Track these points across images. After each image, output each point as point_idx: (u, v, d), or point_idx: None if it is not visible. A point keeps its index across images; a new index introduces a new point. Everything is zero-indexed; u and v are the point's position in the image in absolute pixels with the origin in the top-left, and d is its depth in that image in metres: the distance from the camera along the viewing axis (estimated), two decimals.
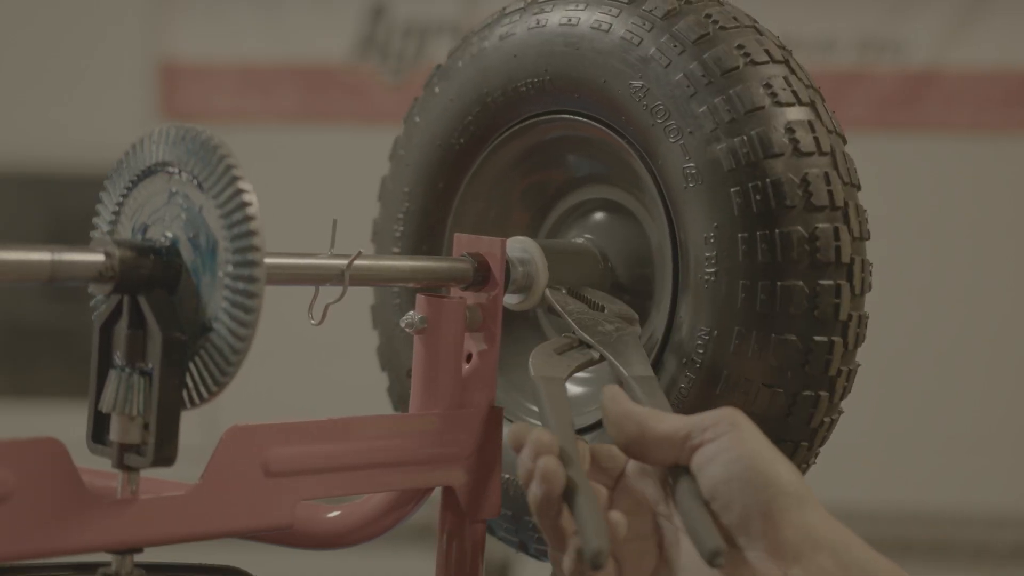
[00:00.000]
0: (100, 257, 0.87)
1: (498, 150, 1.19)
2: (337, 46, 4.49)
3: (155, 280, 0.89)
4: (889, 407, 4.05)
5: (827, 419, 1.08)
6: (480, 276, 1.07)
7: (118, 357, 0.89)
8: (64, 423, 1.47)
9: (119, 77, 4.51)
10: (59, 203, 4.52)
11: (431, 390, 1.06)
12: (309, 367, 4.21)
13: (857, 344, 1.07)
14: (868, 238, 1.08)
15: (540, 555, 1.17)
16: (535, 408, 1.18)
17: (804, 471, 1.10)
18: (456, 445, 1.05)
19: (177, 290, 0.90)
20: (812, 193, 1.04)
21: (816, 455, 1.10)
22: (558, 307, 1.10)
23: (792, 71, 1.07)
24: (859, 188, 1.08)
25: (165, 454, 0.88)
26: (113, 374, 0.89)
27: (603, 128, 1.12)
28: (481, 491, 1.07)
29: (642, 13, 1.09)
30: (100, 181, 0.97)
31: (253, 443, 0.94)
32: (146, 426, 0.88)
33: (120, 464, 0.89)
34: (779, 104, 1.05)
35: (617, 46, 1.09)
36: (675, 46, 1.06)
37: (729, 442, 0.88)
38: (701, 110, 1.05)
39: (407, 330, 1.07)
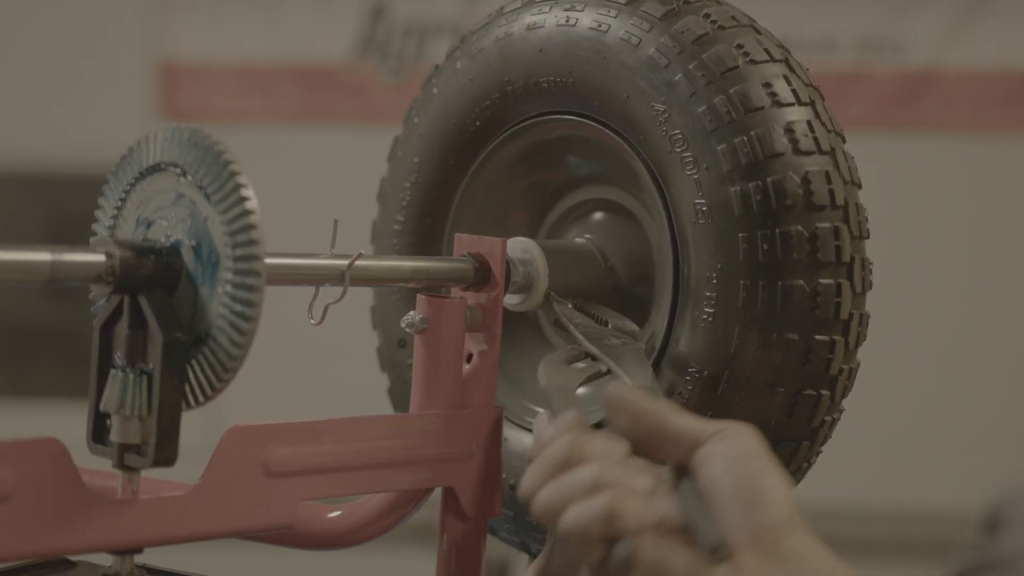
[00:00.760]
0: (101, 257, 0.87)
1: (508, 142, 1.18)
2: (337, 46, 4.48)
3: (155, 280, 0.89)
4: (889, 407, 4.05)
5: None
6: (481, 276, 1.07)
7: (118, 357, 0.89)
8: (64, 423, 1.46)
9: (119, 77, 4.51)
10: (59, 203, 4.52)
11: (431, 390, 1.06)
12: (309, 367, 4.21)
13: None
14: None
15: None
16: (537, 408, 1.18)
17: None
18: (456, 445, 1.05)
19: (177, 291, 0.90)
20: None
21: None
22: (565, 320, 1.10)
23: (817, 115, 1.06)
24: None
25: (165, 454, 0.88)
26: (114, 374, 0.89)
27: (616, 138, 1.11)
28: (481, 491, 1.07)
29: (673, 33, 1.06)
30: (100, 181, 0.97)
31: (253, 443, 0.94)
32: (146, 425, 0.89)
33: (120, 464, 0.89)
34: (799, 152, 1.04)
35: (644, 64, 1.07)
36: (702, 76, 1.05)
37: (729, 445, 0.88)
38: (720, 147, 1.04)
39: (408, 330, 1.07)
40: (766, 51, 1.07)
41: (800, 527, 0.84)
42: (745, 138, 1.03)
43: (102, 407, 0.89)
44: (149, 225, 0.92)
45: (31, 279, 0.85)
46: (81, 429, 0.91)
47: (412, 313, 1.07)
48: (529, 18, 1.14)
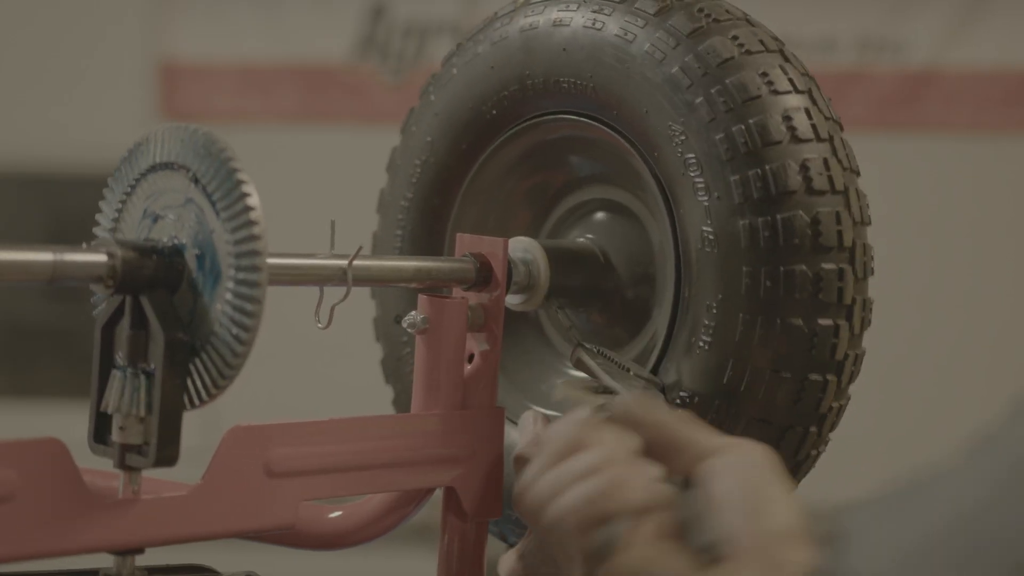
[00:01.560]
0: (102, 257, 0.87)
1: (523, 134, 1.17)
2: (337, 46, 4.48)
3: (157, 281, 0.89)
4: (889, 407, 4.05)
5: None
6: (482, 276, 1.07)
7: (120, 357, 0.89)
8: (64, 423, 1.46)
9: (119, 77, 4.51)
10: (59, 203, 4.52)
11: (432, 390, 1.06)
12: (310, 367, 4.21)
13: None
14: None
15: None
16: (539, 409, 1.18)
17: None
18: (458, 445, 1.05)
19: (179, 291, 0.90)
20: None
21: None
22: (589, 362, 1.08)
23: (834, 151, 1.05)
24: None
25: (167, 454, 0.88)
26: (115, 374, 0.89)
27: (631, 148, 1.10)
28: (483, 491, 1.07)
29: (699, 53, 1.04)
30: (100, 181, 0.97)
31: (255, 443, 0.94)
32: (147, 425, 0.89)
33: (122, 464, 0.89)
34: (812, 192, 1.03)
35: (667, 81, 1.05)
36: (724, 102, 1.03)
37: (738, 457, 0.87)
38: (734, 178, 1.03)
39: (409, 330, 1.07)
40: (790, 81, 1.05)
41: (806, 542, 0.81)
42: (759, 171, 1.02)
43: (103, 407, 0.89)
44: (156, 219, 0.93)
45: (33, 279, 0.85)
46: (82, 429, 0.91)
47: (413, 313, 1.07)
48: (556, 13, 1.12)
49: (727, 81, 1.03)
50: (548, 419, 1.11)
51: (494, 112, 1.16)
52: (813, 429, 1.05)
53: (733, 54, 1.04)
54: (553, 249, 1.14)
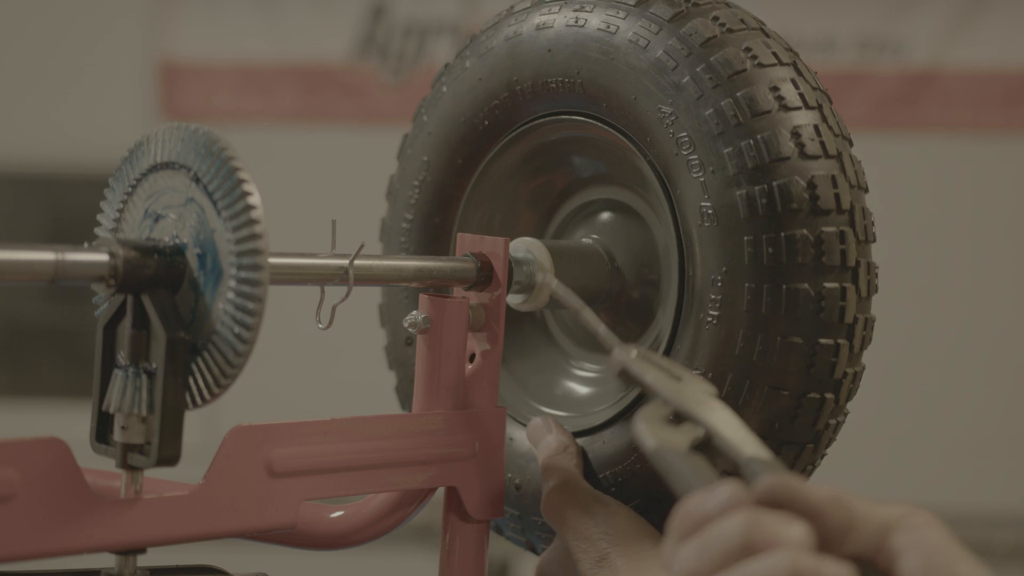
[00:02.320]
0: (104, 257, 0.87)
1: (516, 142, 1.18)
2: (337, 46, 4.48)
3: (159, 280, 0.89)
4: (889, 407, 4.05)
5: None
6: (483, 276, 1.07)
7: (122, 357, 0.89)
8: (65, 423, 1.47)
9: (119, 77, 4.51)
10: (59, 203, 4.52)
11: (434, 390, 1.06)
12: (312, 366, 4.20)
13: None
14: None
15: None
16: (541, 408, 1.18)
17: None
18: (459, 445, 1.05)
19: (180, 290, 0.90)
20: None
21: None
22: (640, 376, 0.94)
23: (824, 119, 1.06)
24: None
25: (169, 454, 0.88)
26: (117, 374, 0.89)
27: (624, 140, 1.11)
28: (484, 491, 1.07)
29: (681, 36, 1.06)
30: (100, 181, 0.97)
31: (256, 443, 0.94)
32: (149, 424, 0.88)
33: (124, 464, 0.89)
34: (806, 156, 1.03)
35: (652, 66, 1.06)
36: (710, 79, 1.04)
37: (922, 535, 0.80)
38: (727, 151, 1.03)
39: (410, 330, 1.07)
40: (774, 55, 1.06)
41: None
42: (751, 141, 1.03)
43: (105, 407, 0.89)
44: (157, 219, 0.93)
45: (35, 279, 0.85)
46: (83, 429, 0.91)
47: (415, 312, 1.07)
48: (538, 18, 1.14)
49: (711, 59, 1.04)
50: (558, 423, 1.11)
51: (486, 123, 1.17)
52: (830, 395, 1.05)
53: (715, 33, 1.06)
54: (557, 249, 1.14)
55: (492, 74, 1.16)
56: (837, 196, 1.04)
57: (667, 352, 1.08)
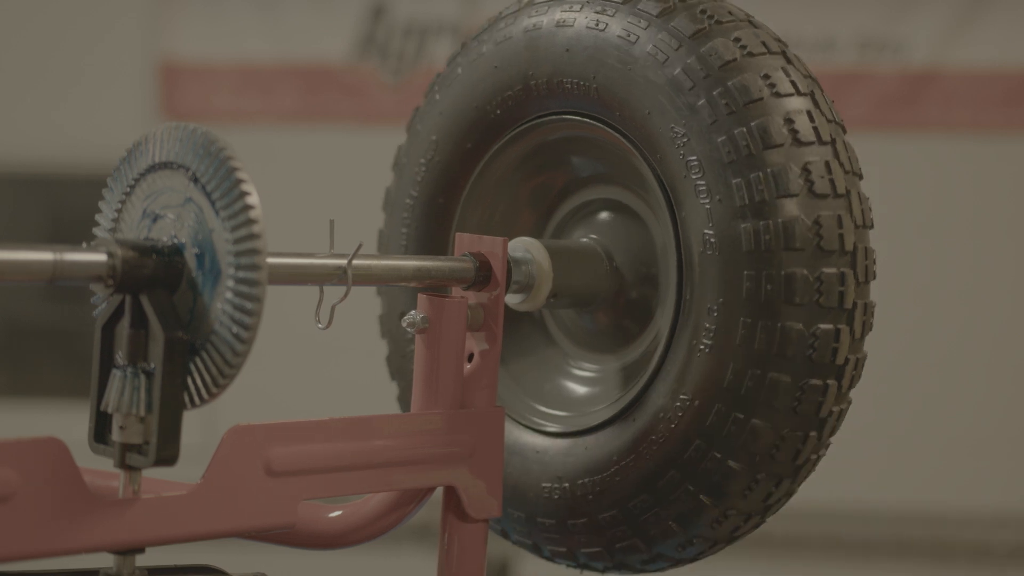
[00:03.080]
0: (102, 257, 0.87)
1: (526, 134, 1.18)
2: (337, 46, 4.48)
3: (157, 280, 0.89)
4: (889, 407, 4.05)
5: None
6: (482, 276, 1.07)
7: (120, 357, 0.89)
8: (64, 423, 1.46)
9: (119, 77, 4.51)
10: (58, 203, 4.52)
11: (432, 390, 1.06)
12: (310, 366, 4.20)
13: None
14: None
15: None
16: (541, 407, 1.18)
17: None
18: (458, 445, 1.05)
19: (179, 290, 0.90)
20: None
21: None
22: None
23: (836, 154, 1.05)
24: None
25: (167, 454, 0.88)
26: (115, 374, 0.89)
27: (633, 150, 1.10)
28: (483, 491, 1.07)
29: (701, 55, 1.05)
30: (100, 181, 0.97)
31: (254, 443, 0.94)
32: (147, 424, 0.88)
33: (122, 464, 0.89)
34: (815, 194, 1.03)
35: (669, 83, 1.05)
36: (726, 105, 1.03)
37: None
38: (735, 181, 1.03)
39: (409, 329, 1.07)
40: (793, 83, 1.05)
41: None
42: (761, 175, 1.02)
43: (104, 407, 0.89)
44: (155, 219, 0.93)
45: (34, 278, 0.85)
46: (82, 429, 0.91)
47: (413, 312, 1.07)
48: (559, 14, 1.12)
49: (729, 83, 1.03)
50: None
51: (498, 112, 1.17)
52: (813, 434, 1.05)
53: (735, 56, 1.04)
54: (556, 249, 1.14)
55: (508, 64, 1.15)
56: (841, 237, 1.03)
57: (656, 371, 1.08)
